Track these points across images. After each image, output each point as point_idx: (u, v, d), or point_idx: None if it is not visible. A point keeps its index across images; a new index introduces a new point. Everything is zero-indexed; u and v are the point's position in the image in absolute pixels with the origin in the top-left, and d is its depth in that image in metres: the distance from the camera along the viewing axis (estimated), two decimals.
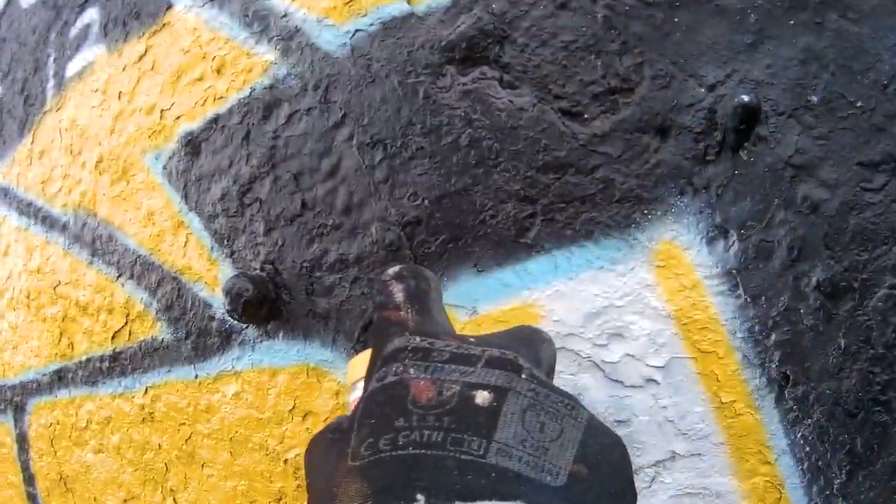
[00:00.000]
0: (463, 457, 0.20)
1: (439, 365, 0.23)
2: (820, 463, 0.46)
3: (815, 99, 0.49)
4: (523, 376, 0.22)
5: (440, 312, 0.28)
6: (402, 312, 0.26)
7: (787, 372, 0.46)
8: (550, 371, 0.27)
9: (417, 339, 0.24)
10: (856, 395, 0.46)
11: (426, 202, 0.49)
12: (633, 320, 0.46)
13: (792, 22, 0.49)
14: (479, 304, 0.47)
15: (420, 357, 0.23)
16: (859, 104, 0.49)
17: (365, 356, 0.30)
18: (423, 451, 0.20)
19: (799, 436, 0.46)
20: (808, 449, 0.46)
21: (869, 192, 0.48)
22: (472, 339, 0.25)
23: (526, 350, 0.25)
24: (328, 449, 0.24)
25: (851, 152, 0.48)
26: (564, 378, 0.47)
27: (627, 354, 0.46)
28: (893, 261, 0.47)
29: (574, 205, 0.46)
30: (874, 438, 0.46)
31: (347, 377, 0.31)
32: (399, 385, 0.22)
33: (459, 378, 0.22)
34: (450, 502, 0.19)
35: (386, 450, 0.21)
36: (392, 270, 0.29)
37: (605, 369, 0.47)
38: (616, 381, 0.47)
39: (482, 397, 0.21)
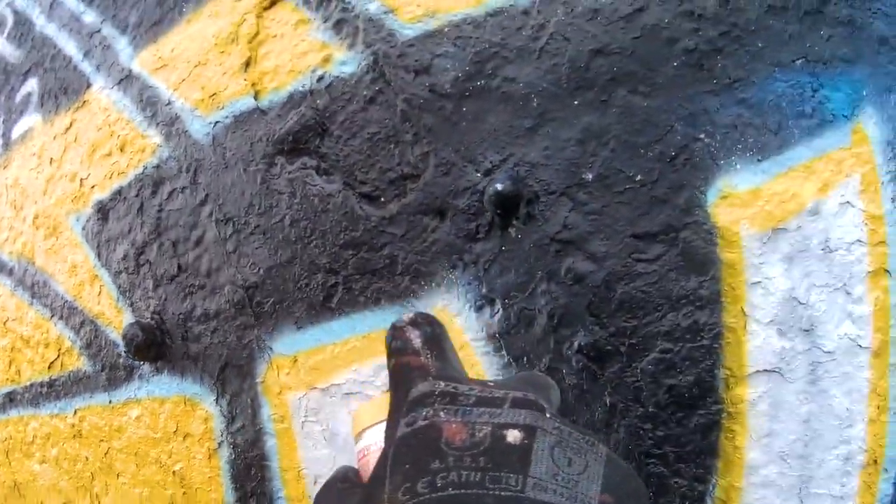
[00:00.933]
0: (502, 493, 0.20)
1: (468, 408, 0.24)
2: None
3: (589, 176, 0.53)
4: (547, 415, 0.23)
5: (454, 357, 0.29)
6: (422, 358, 0.27)
7: None
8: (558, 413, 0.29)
9: (442, 383, 0.25)
10: (626, 448, 0.50)
11: (261, 270, 0.61)
12: None
13: (576, 102, 0.53)
14: (299, 353, 0.59)
15: (448, 401, 0.24)
16: (639, 178, 0.52)
17: (372, 406, 0.31)
18: (462, 490, 0.21)
19: None
20: None
21: (642, 263, 0.51)
22: (491, 384, 0.26)
23: (538, 393, 0.26)
24: (342, 498, 0.25)
25: (626, 225, 0.51)
26: None
27: None
28: (667, 327, 0.49)
29: (367, 277, 0.57)
30: (649, 487, 0.50)
31: (353, 427, 0.32)
32: (431, 428, 0.23)
33: (489, 419, 0.23)
34: None
35: (424, 492, 0.21)
36: (406, 317, 0.30)
37: None
38: None
39: (513, 436, 0.22)
